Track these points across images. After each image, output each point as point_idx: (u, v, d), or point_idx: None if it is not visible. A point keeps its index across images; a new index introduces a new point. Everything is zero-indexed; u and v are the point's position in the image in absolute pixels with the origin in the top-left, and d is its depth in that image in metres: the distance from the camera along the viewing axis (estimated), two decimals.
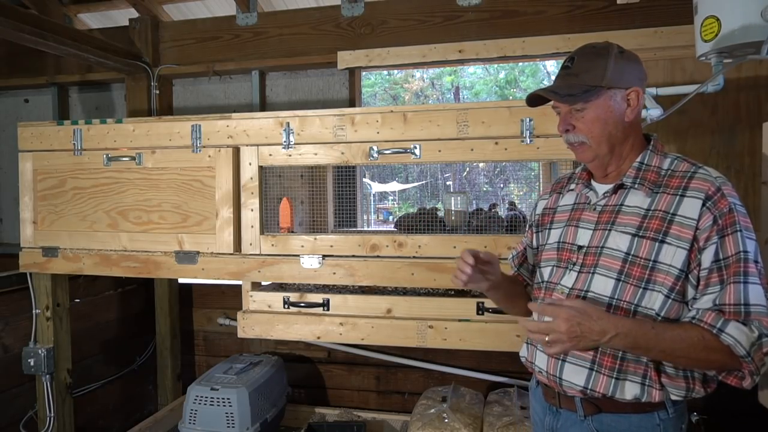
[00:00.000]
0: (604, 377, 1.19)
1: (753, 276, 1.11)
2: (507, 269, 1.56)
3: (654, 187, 1.22)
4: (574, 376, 1.23)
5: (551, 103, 1.30)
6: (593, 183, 1.33)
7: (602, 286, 1.20)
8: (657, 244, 1.16)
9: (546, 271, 1.35)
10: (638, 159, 1.25)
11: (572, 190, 1.38)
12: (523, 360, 1.42)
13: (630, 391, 1.18)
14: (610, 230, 1.23)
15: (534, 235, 1.47)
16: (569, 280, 1.27)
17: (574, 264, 1.27)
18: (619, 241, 1.20)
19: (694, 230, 1.14)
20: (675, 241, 1.15)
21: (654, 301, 1.16)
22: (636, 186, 1.23)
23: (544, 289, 1.34)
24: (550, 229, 1.39)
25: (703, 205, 1.14)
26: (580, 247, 1.27)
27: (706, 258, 1.13)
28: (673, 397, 1.19)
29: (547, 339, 1.11)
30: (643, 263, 1.17)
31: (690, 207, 1.15)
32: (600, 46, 1.24)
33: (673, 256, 1.15)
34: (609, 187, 1.28)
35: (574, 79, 1.21)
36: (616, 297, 1.19)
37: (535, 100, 1.30)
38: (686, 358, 1.13)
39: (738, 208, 1.14)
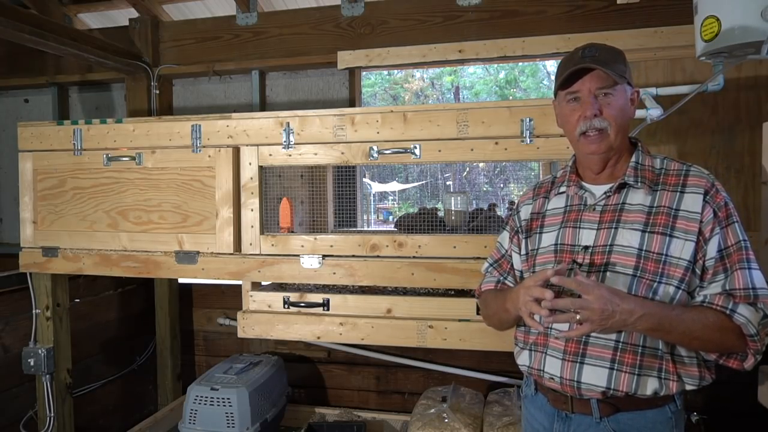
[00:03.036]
0: (626, 375, 1.20)
1: (753, 262, 1.19)
2: (479, 277, 1.57)
3: (652, 185, 1.26)
4: (595, 377, 1.22)
5: (552, 98, 1.35)
6: (585, 185, 1.34)
7: (618, 282, 1.21)
8: (667, 238, 1.20)
9: None
10: (633, 159, 1.29)
11: (562, 192, 1.38)
12: (524, 368, 1.38)
13: (651, 386, 1.20)
14: (616, 228, 1.25)
15: (523, 241, 1.43)
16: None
17: (581, 265, 1.27)
18: (629, 238, 1.22)
19: (699, 223, 1.19)
20: (683, 235, 1.20)
21: (666, 294, 1.19)
22: (638, 185, 1.26)
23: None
24: (540, 233, 1.38)
25: (703, 199, 1.20)
26: (585, 248, 1.27)
27: (712, 248, 1.19)
28: (688, 387, 1.22)
29: (578, 317, 1.11)
30: (655, 257, 1.20)
31: (692, 202, 1.21)
32: (611, 46, 1.29)
33: (682, 248, 1.19)
34: (606, 187, 1.30)
35: (605, 65, 1.23)
36: (632, 293, 1.20)
37: (570, 77, 1.26)
38: (700, 340, 1.16)
39: (729, 201, 1.22)
